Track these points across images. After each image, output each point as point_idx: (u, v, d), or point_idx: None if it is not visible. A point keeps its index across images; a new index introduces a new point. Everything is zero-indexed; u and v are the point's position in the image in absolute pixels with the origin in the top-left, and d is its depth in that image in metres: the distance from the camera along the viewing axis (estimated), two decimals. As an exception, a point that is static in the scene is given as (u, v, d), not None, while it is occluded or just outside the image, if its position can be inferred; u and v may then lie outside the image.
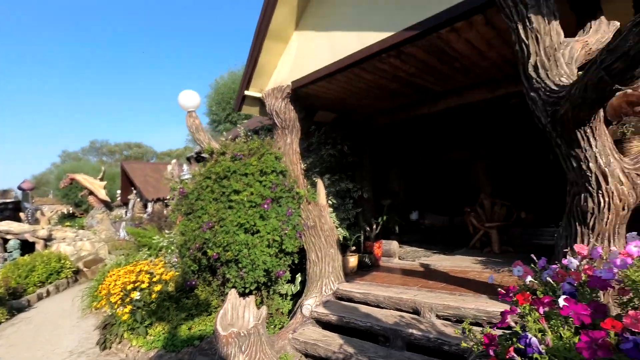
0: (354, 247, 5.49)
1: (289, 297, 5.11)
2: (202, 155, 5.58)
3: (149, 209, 16.30)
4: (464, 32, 3.30)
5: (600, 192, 2.54)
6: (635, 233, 2.04)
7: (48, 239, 11.50)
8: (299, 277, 5.11)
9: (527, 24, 2.53)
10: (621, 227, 2.65)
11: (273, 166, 4.69)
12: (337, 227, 5.42)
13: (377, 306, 4.11)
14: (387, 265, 5.57)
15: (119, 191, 19.48)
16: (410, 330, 3.40)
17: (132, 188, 17.97)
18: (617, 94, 3.67)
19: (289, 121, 4.78)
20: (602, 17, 2.75)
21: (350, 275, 5.12)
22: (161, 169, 18.92)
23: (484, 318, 3.25)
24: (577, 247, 2.12)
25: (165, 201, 15.55)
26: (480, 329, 1.90)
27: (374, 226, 5.81)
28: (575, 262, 1.99)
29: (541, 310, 1.57)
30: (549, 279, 1.82)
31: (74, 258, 10.38)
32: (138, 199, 17.54)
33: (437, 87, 4.85)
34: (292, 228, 4.58)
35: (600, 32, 2.66)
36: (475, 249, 5.88)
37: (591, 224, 2.63)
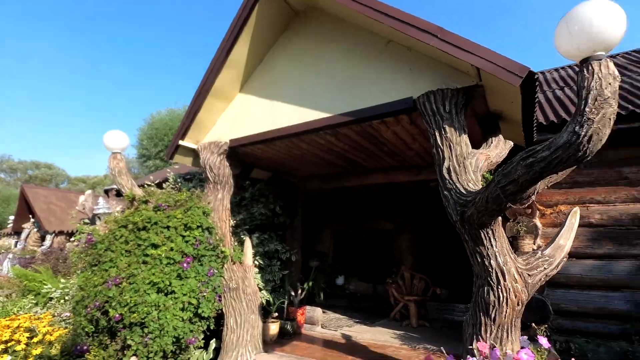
0: (276, 313, 5.28)
1: (198, 366, 4.62)
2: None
3: (48, 242, 14.19)
4: (392, 125, 3.67)
5: (499, 287, 2.81)
6: (526, 337, 2.28)
7: None
8: (213, 344, 4.69)
9: (443, 132, 2.90)
10: (517, 319, 2.92)
11: (199, 221, 4.47)
12: (261, 290, 5.21)
13: (294, 382, 3.91)
14: (310, 334, 5.41)
15: (12, 217, 16.78)
16: (323, 414, 3.25)
17: (31, 216, 15.63)
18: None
19: (222, 177, 4.68)
20: (501, 136, 3.26)
21: (269, 344, 4.85)
22: (71, 198, 16.88)
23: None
24: (480, 345, 2.30)
25: (71, 238, 13.73)
26: None
27: (300, 291, 5.70)
28: (474, 363, 2.14)
29: None
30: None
31: None
32: (35, 229, 15.23)
33: (368, 163, 5.20)
34: (212, 290, 4.29)
35: (499, 148, 3.14)
36: (395, 321, 6.01)
37: (493, 315, 2.86)
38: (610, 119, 1.72)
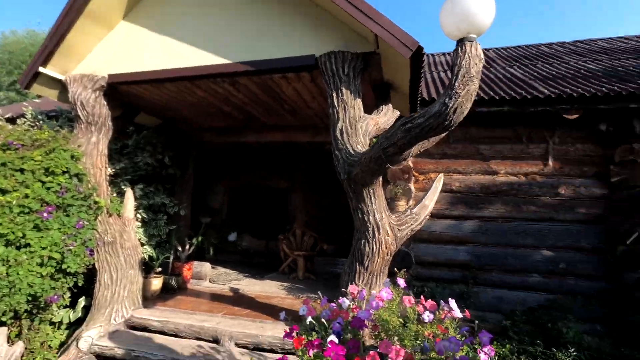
0: (159, 269, 5.01)
1: (64, 326, 4.17)
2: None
3: None
4: (293, 81, 3.64)
5: (374, 240, 3.15)
6: (388, 280, 2.62)
7: None
8: (82, 301, 4.25)
9: (340, 94, 3.00)
10: (385, 267, 3.35)
11: (66, 166, 3.84)
12: (143, 245, 4.84)
13: (176, 335, 3.84)
14: (196, 288, 5.31)
15: None
16: (205, 362, 3.31)
17: None
18: (397, 160, 4.70)
19: (98, 117, 4.05)
20: (390, 105, 3.54)
21: (151, 299, 4.62)
22: None
23: (279, 345, 3.48)
24: (351, 288, 2.57)
25: None
26: (275, 355, 2.01)
27: (188, 246, 5.49)
28: (347, 302, 2.40)
29: (311, 352, 1.83)
30: (323, 320, 2.13)
31: None
32: None
33: (267, 120, 5.12)
34: (81, 244, 3.82)
35: (387, 116, 3.40)
36: (284, 274, 6.32)
37: (366, 264, 3.21)
38: (472, 95, 1.99)
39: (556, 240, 4.25)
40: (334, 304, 2.40)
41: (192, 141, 5.91)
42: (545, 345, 3.40)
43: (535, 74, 5.21)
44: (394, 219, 3.29)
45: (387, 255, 3.25)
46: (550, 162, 4.35)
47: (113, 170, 4.82)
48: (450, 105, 1.98)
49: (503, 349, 3.33)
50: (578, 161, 4.32)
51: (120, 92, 4.23)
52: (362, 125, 3.07)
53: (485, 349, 1.92)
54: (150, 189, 5.27)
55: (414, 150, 2.62)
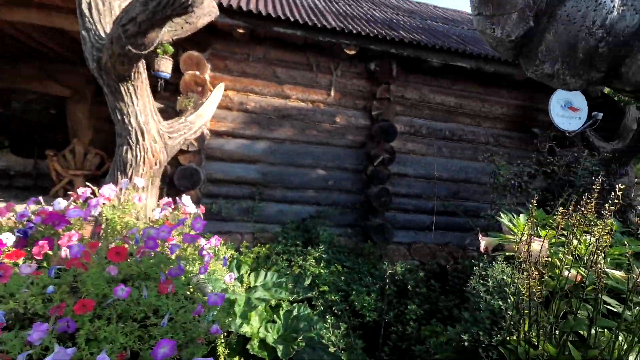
0: None
1: None
2: None
3: None
4: None
5: (138, 146, 2.84)
6: (125, 180, 2.42)
7: None
8: None
9: (85, -46, 2.37)
10: (155, 179, 3.11)
11: None
12: None
13: None
14: None
15: None
16: None
17: None
18: (189, 72, 4.36)
19: None
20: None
21: None
22: None
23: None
24: (77, 190, 2.28)
25: None
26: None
27: None
28: (64, 203, 2.10)
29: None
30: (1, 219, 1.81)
31: None
32: None
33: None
34: None
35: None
36: (58, 197, 5.28)
37: (130, 173, 2.89)
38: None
39: (328, 162, 4.93)
40: (49, 208, 2.08)
41: None
42: (304, 245, 4.03)
43: (334, 9, 5.57)
44: (164, 125, 3.05)
45: (156, 164, 3.02)
46: (333, 93, 4.87)
47: None
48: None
49: (263, 249, 3.77)
50: (353, 95, 5.00)
51: None
52: (120, 4, 2.56)
53: (209, 243, 2.03)
54: None
55: (164, 37, 2.35)
